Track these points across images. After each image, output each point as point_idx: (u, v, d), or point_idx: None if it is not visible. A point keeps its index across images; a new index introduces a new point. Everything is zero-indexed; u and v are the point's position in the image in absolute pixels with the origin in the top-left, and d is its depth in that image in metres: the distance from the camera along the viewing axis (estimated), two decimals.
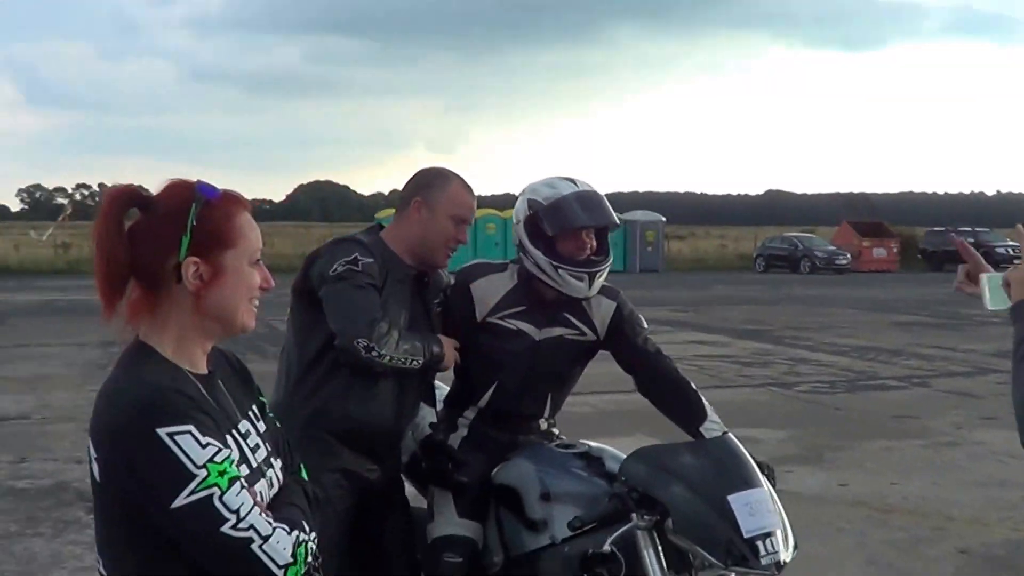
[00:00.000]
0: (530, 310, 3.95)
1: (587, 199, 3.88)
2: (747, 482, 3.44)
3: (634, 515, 3.38)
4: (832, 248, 47.06)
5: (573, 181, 3.94)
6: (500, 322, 3.94)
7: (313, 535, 2.13)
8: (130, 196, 2.10)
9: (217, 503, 1.97)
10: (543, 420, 4.13)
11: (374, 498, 3.85)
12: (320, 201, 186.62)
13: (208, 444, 1.99)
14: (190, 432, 1.98)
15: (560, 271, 3.84)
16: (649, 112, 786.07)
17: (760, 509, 3.37)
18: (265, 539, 2.00)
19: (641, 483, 3.44)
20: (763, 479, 3.52)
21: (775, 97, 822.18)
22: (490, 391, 4.03)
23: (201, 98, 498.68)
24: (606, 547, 3.41)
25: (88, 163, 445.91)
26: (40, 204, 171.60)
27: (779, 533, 3.35)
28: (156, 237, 2.08)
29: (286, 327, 3.87)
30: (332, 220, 43.10)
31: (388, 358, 3.57)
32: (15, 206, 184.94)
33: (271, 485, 2.19)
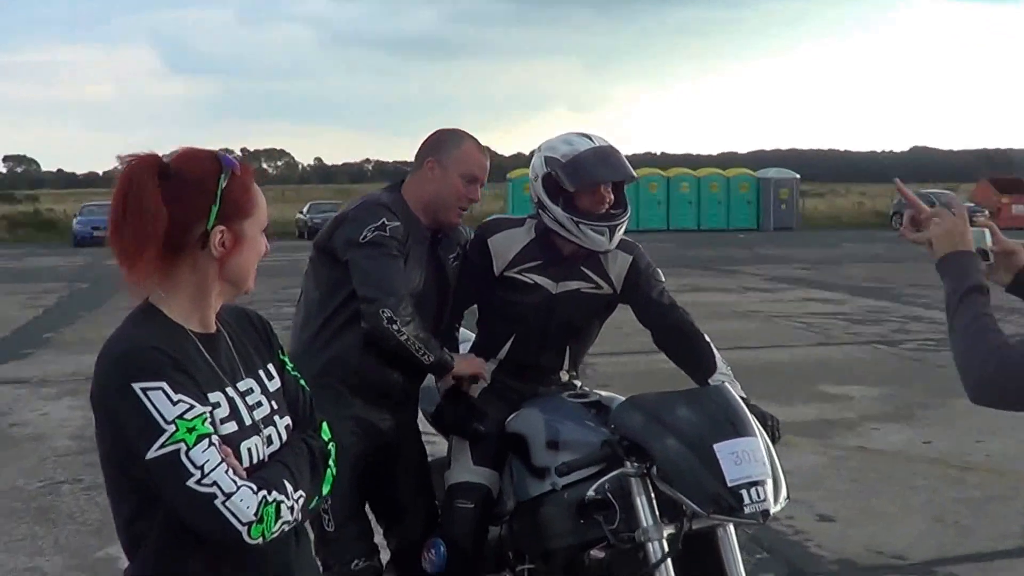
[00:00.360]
0: (547, 264, 3.99)
1: (604, 154, 3.89)
2: (737, 431, 3.43)
3: (626, 462, 3.44)
4: (970, 205, 45.68)
5: (589, 137, 3.95)
6: (517, 276, 3.99)
7: (298, 494, 2.18)
8: (157, 164, 2.17)
9: (183, 458, 2.05)
10: (564, 372, 4.17)
11: (388, 446, 3.96)
12: None
13: (179, 401, 2.08)
14: (162, 389, 2.07)
15: (581, 226, 3.86)
16: (795, 69, 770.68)
17: (747, 458, 3.36)
18: (228, 496, 2.06)
19: (629, 431, 3.47)
20: (757, 429, 3.51)
21: (922, 51, 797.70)
22: (508, 344, 4.09)
23: (341, 62, 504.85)
24: (591, 492, 3.47)
25: (231, 128, 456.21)
26: None
27: (768, 483, 3.34)
28: (186, 205, 2.15)
29: (304, 281, 3.99)
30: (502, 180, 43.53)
31: (404, 337, 3.66)
32: None
33: (269, 443, 2.25)
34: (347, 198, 62.01)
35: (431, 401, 4.37)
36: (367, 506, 4.07)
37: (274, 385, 2.35)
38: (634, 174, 3.96)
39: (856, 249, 33.08)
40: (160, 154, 2.20)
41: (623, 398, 3.89)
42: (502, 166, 63.92)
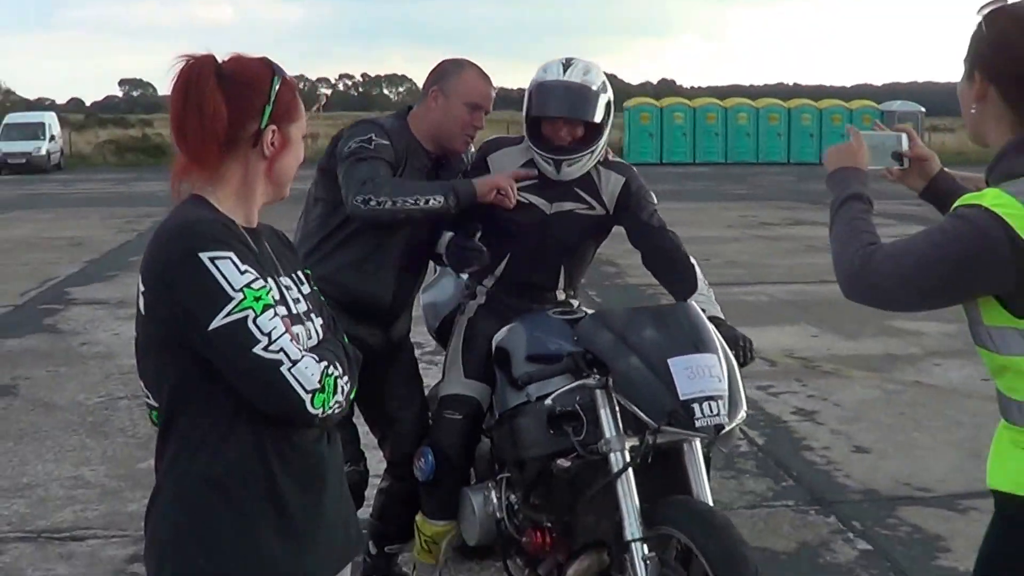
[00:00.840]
0: (542, 184, 4.06)
1: (565, 90, 3.96)
2: (695, 347, 3.52)
3: (587, 375, 3.54)
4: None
5: (569, 66, 4.00)
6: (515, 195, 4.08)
7: (346, 379, 2.25)
8: (215, 64, 2.24)
9: (251, 325, 2.09)
10: (559, 291, 4.26)
11: (377, 360, 4.09)
12: None
13: (246, 271, 2.13)
14: (230, 258, 2.13)
15: (533, 151, 4.00)
16: None
17: (702, 373, 3.44)
18: (294, 363, 2.11)
19: (592, 344, 3.58)
20: (720, 348, 3.59)
21: None
22: (504, 261, 4.19)
23: None
24: (549, 402, 3.58)
25: (351, 52, 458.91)
26: (303, 95, 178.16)
27: (722, 399, 3.42)
28: (242, 103, 2.23)
29: (306, 200, 4.14)
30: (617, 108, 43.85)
31: (390, 203, 3.73)
32: None
33: (309, 336, 2.29)
34: None
35: (435, 317, 4.53)
36: (360, 416, 4.24)
37: (306, 289, 2.41)
38: (591, 117, 3.96)
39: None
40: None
41: None
42: (628, 93, 63.60)
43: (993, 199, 2.23)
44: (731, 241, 17.04)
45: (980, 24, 2.40)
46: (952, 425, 6.93)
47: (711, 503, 3.49)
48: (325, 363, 2.18)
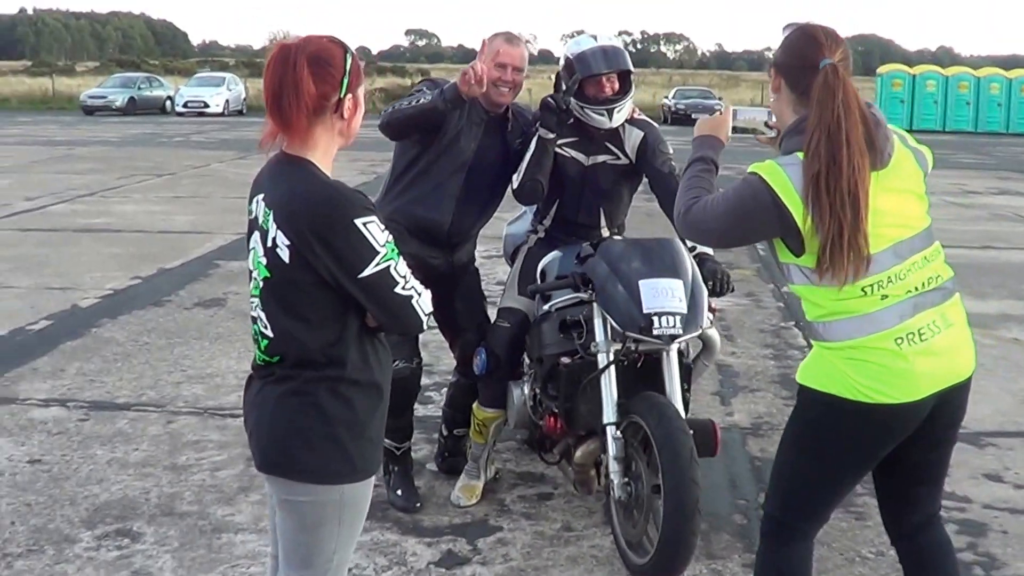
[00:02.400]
0: (581, 141, 5.03)
1: (603, 52, 4.90)
2: (666, 273, 4.47)
3: (581, 290, 4.55)
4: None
5: (595, 37, 4.96)
6: (559, 150, 5.02)
7: None
8: (304, 48, 2.74)
9: (393, 271, 2.73)
10: (603, 229, 5.21)
11: (442, 277, 5.08)
12: (862, 55, 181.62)
13: (384, 230, 2.74)
14: (375, 221, 2.72)
15: (585, 109, 4.92)
16: None
17: (665, 294, 4.40)
18: (420, 295, 2.80)
19: (587, 268, 4.58)
20: (690, 275, 4.51)
21: None
22: (555, 205, 5.19)
23: None
24: (545, 307, 4.70)
25: (631, 8, 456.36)
26: None
27: (679, 315, 4.36)
28: (327, 79, 2.74)
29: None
30: (871, 74, 43.57)
31: (394, 110, 4.84)
32: (559, 50, 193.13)
33: None
34: (726, 88, 62.35)
35: (511, 245, 5.56)
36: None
37: None
38: (629, 67, 4.92)
39: None
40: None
41: None
42: (909, 61, 62.38)
43: (767, 169, 3.09)
44: None
45: (784, 33, 3.27)
46: (1022, 376, 7.45)
47: (679, 403, 4.42)
48: (424, 294, 2.84)
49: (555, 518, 4.98)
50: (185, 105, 44.51)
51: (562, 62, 5.02)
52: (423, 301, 2.81)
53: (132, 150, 26.02)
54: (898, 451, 3.19)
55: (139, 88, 46.31)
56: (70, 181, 18.50)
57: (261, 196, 2.83)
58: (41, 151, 25.16)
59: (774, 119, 3.43)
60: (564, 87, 4.91)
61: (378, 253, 2.70)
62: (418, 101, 4.75)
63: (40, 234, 12.92)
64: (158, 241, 12.49)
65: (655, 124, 5.14)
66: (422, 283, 2.85)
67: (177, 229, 13.46)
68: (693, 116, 41.29)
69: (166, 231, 13.33)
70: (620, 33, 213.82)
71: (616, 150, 5.05)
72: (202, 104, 44.02)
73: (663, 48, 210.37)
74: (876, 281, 3.03)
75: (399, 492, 5.09)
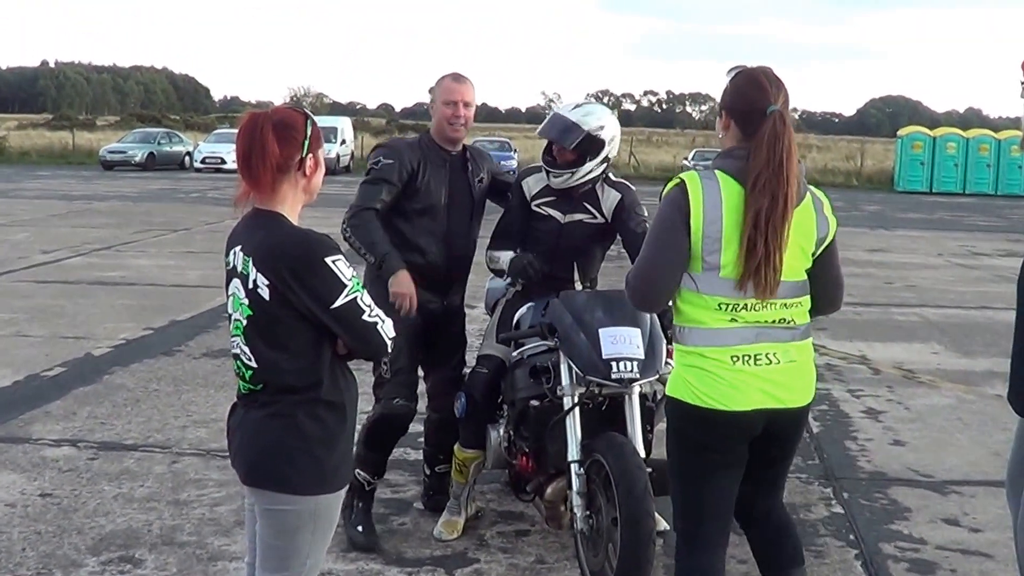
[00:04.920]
0: (558, 200, 5.42)
1: (562, 122, 5.27)
2: (624, 321, 4.82)
3: (549, 338, 4.91)
4: None
5: (578, 106, 5.34)
6: (538, 208, 5.44)
7: None
8: (271, 116, 3.17)
9: (360, 301, 3.12)
10: (576, 283, 5.55)
11: (435, 319, 5.47)
12: (890, 116, 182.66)
13: (350, 266, 3.14)
14: (342, 259, 3.12)
15: (544, 166, 5.38)
16: None
17: (624, 341, 4.76)
18: (383, 321, 3.17)
19: (552, 317, 4.94)
20: (649, 325, 4.86)
21: None
22: None
23: (776, 6, 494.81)
24: (515, 354, 5.08)
25: (656, 69, 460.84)
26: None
27: (637, 361, 4.72)
28: (290, 142, 3.16)
29: None
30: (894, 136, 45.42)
31: (353, 238, 5.21)
32: None
33: None
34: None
35: (491, 299, 5.92)
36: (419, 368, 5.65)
37: None
38: (568, 145, 5.22)
39: None
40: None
41: None
42: (936, 122, 62.62)
43: (689, 177, 3.55)
44: (925, 268, 17.66)
45: (728, 81, 3.70)
46: (997, 430, 7.69)
47: (640, 443, 4.77)
48: (389, 319, 3.23)
49: (530, 552, 5.31)
50: (203, 161, 45.08)
51: None
52: (387, 327, 3.18)
53: (149, 205, 26.57)
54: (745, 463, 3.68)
55: (159, 143, 47.04)
56: (87, 235, 19.00)
57: (238, 247, 3.23)
58: (59, 205, 25.74)
59: None
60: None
61: (346, 286, 3.09)
62: (364, 253, 5.19)
63: (57, 286, 13.35)
64: (171, 294, 12.89)
65: (632, 187, 5.51)
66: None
67: (189, 283, 13.87)
68: None
69: (179, 285, 13.74)
70: (646, 93, 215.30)
71: (593, 209, 5.42)
72: (219, 160, 44.59)
73: (688, 108, 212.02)
74: (732, 303, 3.49)
75: (360, 528, 5.37)
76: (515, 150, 46.74)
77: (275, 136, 3.13)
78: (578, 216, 5.42)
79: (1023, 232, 25.79)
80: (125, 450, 6.80)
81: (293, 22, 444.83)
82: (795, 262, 3.55)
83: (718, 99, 3.80)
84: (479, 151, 5.71)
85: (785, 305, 3.56)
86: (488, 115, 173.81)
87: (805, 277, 3.63)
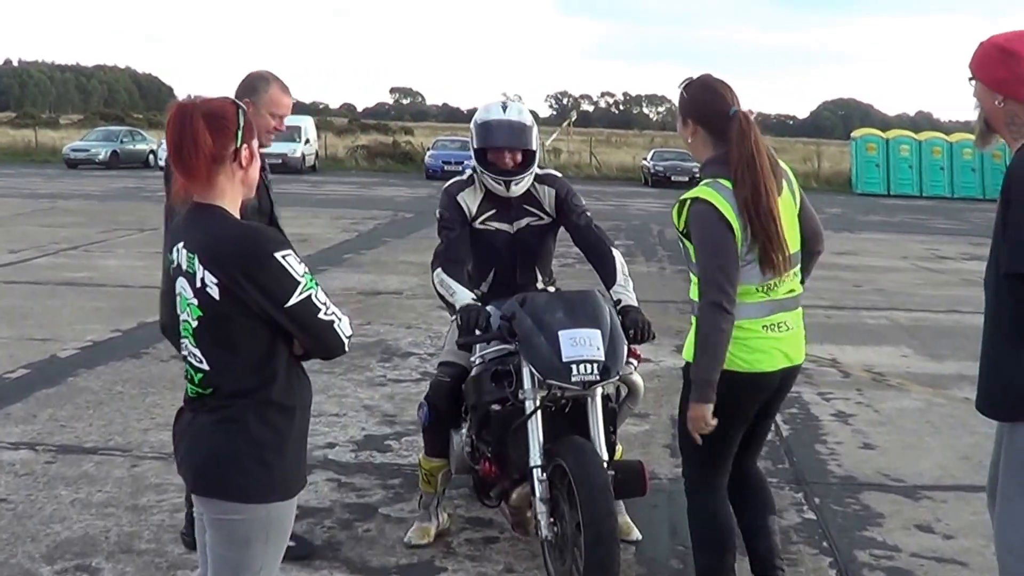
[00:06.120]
0: (500, 211, 5.30)
1: (509, 126, 5.17)
2: (584, 323, 4.71)
3: (509, 341, 4.79)
4: None
5: (505, 107, 5.24)
6: (483, 227, 5.30)
7: None
8: (200, 106, 3.02)
9: (315, 299, 2.99)
10: (539, 283, 5.49)
11: None
12: (843, 118, 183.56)
13: (301, 262, 3.00)
14: (291, 253, 2.98)
15: (484, 175, 5.22)
16: None
17: (584, 343, 4.64)
18: (340, 319, 3.04)
19: (511, 320, 4.82)
20: (609, 325, 4.75)
21: None
22: (490, 276, 5.44)
23: (731, 11, 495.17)
24: (474, 358, 4.90)
25: (614, 71, 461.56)
26: (565, 109, 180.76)
27: (597, 363, 4.59)
28: (222, 132, 3.00)
29: None
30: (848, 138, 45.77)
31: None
32: (544, 111, 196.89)
33: None
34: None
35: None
36: None
37: None
38: (528, 145, 5.16)
39: None
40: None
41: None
42: (888, 125, 62.79)
43: (705, 193, 3.94)
44: (892, 271, 17.61)
45: (682, 92, 4.14)
46: (966, 434, 7.66)
47: (603, 445, 4.67)
48: (346, 316, 3.11)
49: (498, 560, 5.20)
50: (167, 160, 44.48)
51: (471, 125, 5.30)
52: (343, 325, 3.05)
53: (115, 204, 26.24)
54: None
55: (122, 142, 46.58)
56: (54, 234, 18.71)
57: (181, 244, 3.08)
58: (25, 204, 25.40)
59: None
60: (474, 160, 5.25)
61: (299, 283, 2.96)
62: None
63: (24, 287, 13.12)
64: (139, 295, 12.63)
65: (558, 175, 5.40)
66: None
67: (158, 284, 13.35)
68: (673, 178, 42.12)
69: (147, 286, 13.39)
70: (603, 94, 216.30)
71: (536, 210, 5.33)
72: None
73: (645, 110, 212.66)
74: (764, 285, 4.03)
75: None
76: None
77: (207, 126, 2.98)
78: (525, 221, 5.33)
79: (984, 236, 25.61)
80: (84, 453, 6.64)
81: (255, 21, 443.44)
82: (792, 234, 4.08)
83: (676, 106, 4.20)
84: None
85: (794, 274, 4.15)
86: (449, 115, 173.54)
87: (799, 247, 4.18)
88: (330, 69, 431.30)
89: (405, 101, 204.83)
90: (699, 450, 4.13)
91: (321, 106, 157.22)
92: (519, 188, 5.22)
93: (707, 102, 4.04)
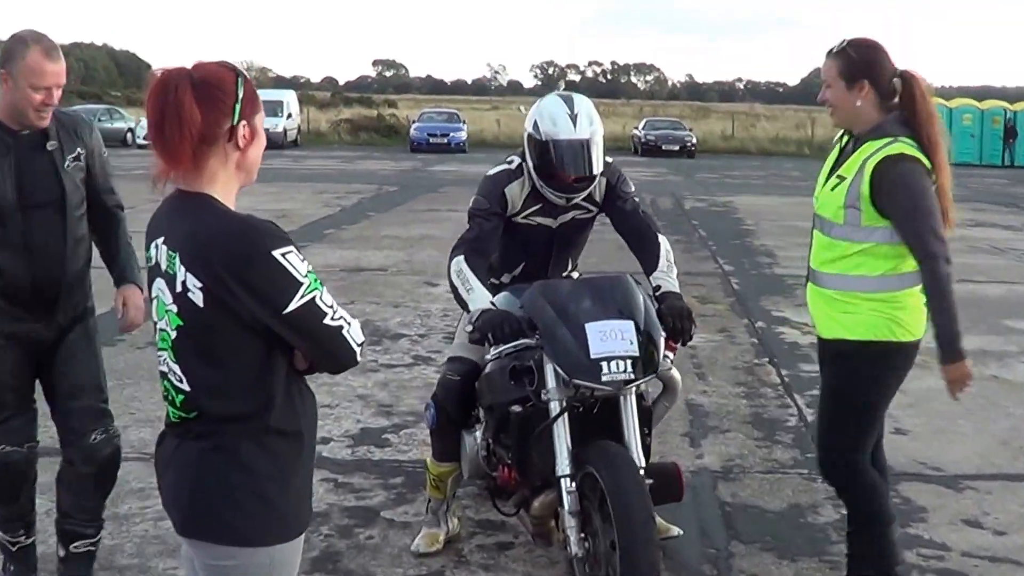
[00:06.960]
0: (546, 207, 4.74)
1: (575, 151, 4.53)
2: (615, 314, 4.19)
3: (531, 335, 4.28)
4: None
5: (574, 118, 4.54)
6: (526, 221, 4.74)
7: None
8: (188, 73, 2.51)
9: (319, 301, 2.48)
10: (573, 273, 5.05)
11: (45, 348, 4.66)
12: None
13: (304, 259, 2.50)
14: (292, 251, 2.48)
15: (544, 188, 4.64)
16: None
17: (614, 336, 4.11)
18: (349, 324, 2.54)
19: (531, 311, 4.31)
20: (643, 315, 4.23)
21: None
22: (520, 267, 4.92)
23: None
24: (489, 356, 4.39)
25: (601, 39, 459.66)
26: (552, 80, 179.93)
27: (630, 359, 4.07)
28: (214, 104, 2.50)
29: None
30: None
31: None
32: (528, 82, 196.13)
33: None
34: (696, 119, 62.28)
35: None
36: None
37: None
38: (592, 172, 4.57)
39: None
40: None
41: None
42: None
43: (911, 150, 4.01)
44: None
45: (850, 53, 4.11)
46: (1000, 416, 7.31)
47: (638, 450, 4.17)
48: (356, 320, 2.62)
49: (515, 569, 4.76)
50: (146, 138, 43.89)
51: (531, 125, 4.65)
52: (354, 331, 2.56)
53: None
54: None
55: (99, 120, 45.73)
56: None
57: (160, 240, 2.58)
58: None
59: None
60: (532, 165, 4.65)
61: (301, 284, 2.45)
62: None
63: None
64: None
65: (609, 160, 4.79)
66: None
67: None
68: (664, 147, 41.99)
69: None
70: (591, 63, 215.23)
71: (586, 203, 4.80)
72: None
73: (633, 79, 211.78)
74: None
75: None
76: (464, 121, 46.16)
77: (195, 98, 2.47)
78: (569, 215, 4.81)
79: (986, 201, 25.38)
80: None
81: None
82: None
83: (821, 69, 4.22)
84: (73, 118, 4.40)
85: None
86: (433, 87, 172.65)
87: None
88: (311, 42, 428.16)
89: (388, 74, 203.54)
90: (859, 428, 4.26)
91: (303, 80, 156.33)
92: (579, 197, 4.72)
93: (881, 62, 4.11)
